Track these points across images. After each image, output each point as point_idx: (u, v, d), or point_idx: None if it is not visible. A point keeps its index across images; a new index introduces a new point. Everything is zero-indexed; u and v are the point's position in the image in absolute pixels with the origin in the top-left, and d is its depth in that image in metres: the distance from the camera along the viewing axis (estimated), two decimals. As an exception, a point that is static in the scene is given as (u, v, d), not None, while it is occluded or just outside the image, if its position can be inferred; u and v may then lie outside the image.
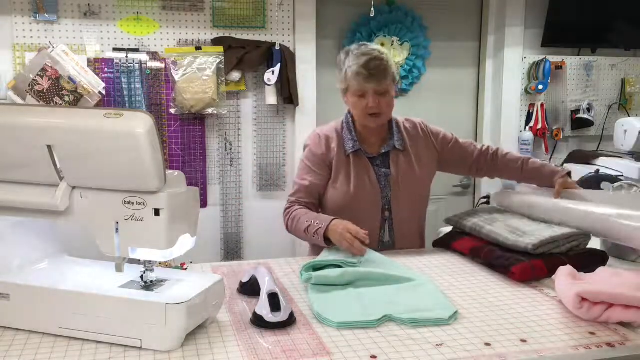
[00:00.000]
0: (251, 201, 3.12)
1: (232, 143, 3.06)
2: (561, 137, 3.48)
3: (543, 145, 3.47)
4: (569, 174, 2.00)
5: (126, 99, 2.81)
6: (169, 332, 1.18)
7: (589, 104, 3.52)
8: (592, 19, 3.40)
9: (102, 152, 1.16)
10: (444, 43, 3.41)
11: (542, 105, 3.43)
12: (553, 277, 1.53)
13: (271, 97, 2.98)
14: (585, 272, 1.50)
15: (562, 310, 1.40)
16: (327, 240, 1.75)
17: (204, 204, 3.02)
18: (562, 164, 3.07)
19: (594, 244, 1.77)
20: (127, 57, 2.81)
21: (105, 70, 2.80)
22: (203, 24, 2.94)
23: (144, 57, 2.84)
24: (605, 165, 2.78)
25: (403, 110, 2.17)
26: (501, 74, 3.41)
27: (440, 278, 1.65)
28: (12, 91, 2.64)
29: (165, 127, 2.92)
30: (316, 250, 1.89)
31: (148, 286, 1.28)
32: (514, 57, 3.40)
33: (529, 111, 3.46)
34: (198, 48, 2.89)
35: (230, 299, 1.47)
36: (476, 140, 3.52)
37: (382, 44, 3.14)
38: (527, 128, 3.44)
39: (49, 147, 1.18)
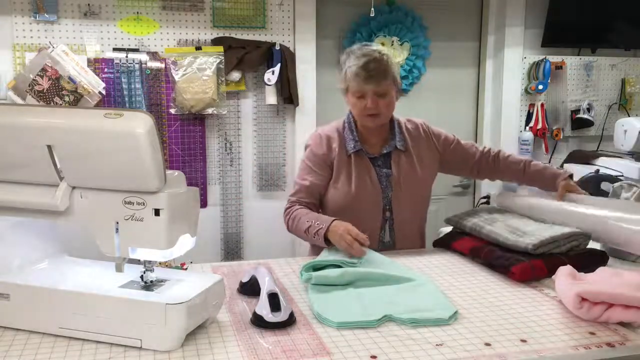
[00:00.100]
0: (251, 201, 3.13)
1: (232, 143, 3.06)
2: (561, 137, 3.48)
3: (543, 146, 3.47)
4: (570, 176, 2.00)
5: (126, 99, 2.81)
6: (169, 332, 1.18)
7: (589, 104, 3.52)
8: (592, 19, 3.40)
9: (102, 152, 1.16)
10: (444, 43, 3.41)
11: (542, 105, 3.43)
12: (553, 277, 1.53)
13: (271, 97, 2.99)
14: (585, 272, 1.50)
15: (562, 310, 1.40)
16: (328, 241, 1.75)
17: (204, 204, 3.02)
18: (562, 164, 3.07)
19: (594, 243, 1.77)
20: (127, 57, 2.81)
21: (105, 70, 2.80)
22: (203, 24, 2.94)
23: (144, 57, 2.84)
24: (605, 165, 2.78)
25: (403, 111, 2.17)
26: (501, 74, 3.41)
27: (440, 278, 1.65)
28: (12, 91, 2.64)
29: (165, 127, 2.92)
30: (316, 250, 1.89)
31: (148, 286, 1.28)
32: (514, 57, 3.40)
33: (529, 111, 3.47)
34: (198, 48, 2.89)
35: (230, 299, 1.47)
36: (476, 141, 3.52)
37: (382, 44, 3.14)
38: (527, 128, 3.44)
39: (49, 147, 1.18)
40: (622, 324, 1.31)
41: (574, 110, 3.52)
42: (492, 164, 2.07)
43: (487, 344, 1.22)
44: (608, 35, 3.46)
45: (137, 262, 1.28)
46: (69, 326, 1.23)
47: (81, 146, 1.17)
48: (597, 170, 2.59)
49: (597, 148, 3.48)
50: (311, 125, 3.05)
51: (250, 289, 1.48)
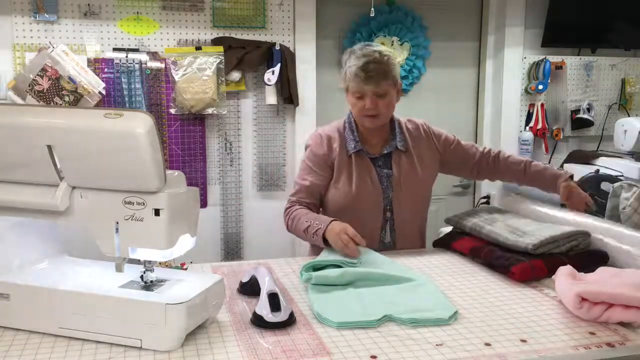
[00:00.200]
0: (251, 201, 3.13)
1: (232, 143, 3.06)
2: (561, 137, 3.48)
3: (543, 145, 3.47)
4: (571, 177, 2.00)
5: (126, 99, 2.81)
6: (169, 332, 1.18)
7: (589, 104, 3.52)
8: (592, 19, 3.40)
9: (102, 152, 1.16)
10: (444, 43, 3.41)
11: (542, 105, 3.43)
12: (553, 277, 1.53)
13: (271, 97, 2.99)
14: (585, 272, 1.50)
15: (562, 310, 1.40)
16: (326, 241, 1.75)
17: (204, 204, 3.02)
18: (562, 164, 3.07)
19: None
20: (127, 57, 2.81)
21: (105, 70, 2.80)
22: (203, 24, 2.94)
23: (144, 57, 2.84)
24: (605, 165, 2.77)
25: (403, 111, 2.17)
26: (501, 74, 3.41)
27: (440, 278, 1.65)
28: (12, 91, 2.64)
29: (165, 127, 2.92)
30: (316, 250, 1.89)
31: (148, 286, 1.28)
32: (514, 57, 3.40)
33: (529, 111, 3.47)
34: (198, 48, 2.89)
35: (230, 299, 1.47)
36: (476, 141, 3.52)
37: (382, 44, 3.14)
38: (527, 128, 3.44)
39: (49, 147, 1.18)
40: (622, 324, 1.31)
41: (574, 110, 3.52)
42: (492, 165, 2.07)
43: (487, 344, 1.22)
44: (608, 35, 3.46)
45: (137, 262, 1.28)
46: (69, 326, 1.23)
47: (81, 146, 1.17)
48: (597, 170, 2.59)
49: (597, 148, 3.48)
50: (311, 125, 3.05)
51: (250, 289, 1.48)
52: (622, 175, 2.62)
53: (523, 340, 1.24)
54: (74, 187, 1.22)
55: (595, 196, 2.23)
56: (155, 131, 1.14)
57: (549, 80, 3.38)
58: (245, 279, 1.52)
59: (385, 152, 1.98)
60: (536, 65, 3.40)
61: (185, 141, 2.96)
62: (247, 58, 2.94)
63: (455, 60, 3.47)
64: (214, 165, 3.05)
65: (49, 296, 1.25)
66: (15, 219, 1.34)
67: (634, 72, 3.62)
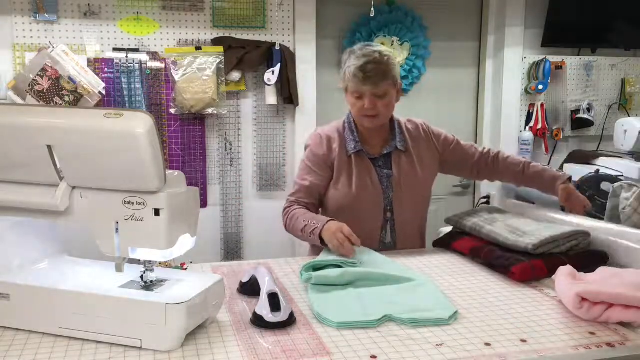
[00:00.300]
0: (251, 201, 3.13)
1: (232, 143, 3.06)
2: (561, 137, 3.49)
3: (543, 145, 3.47)
4: (569, 179, 2.00)
5: (126, 99, 2.81)
6: (169, 332, 1.18)
7: (589, 104, 3.52)
8: (592, 19, 3.40)
9: (102, 152, 1.16)
10: (444, 43, 3.41)
11: (542, 105, 3.43)
12: (553, 277, 1.53)
13: (271, 97, 2.99)
14: (585, 272, 1.50)
15: (562, 310, 1.40)
16: (323, 241, 1.75)
17: (204, 204, 3.02)
18: (562, 164, 3.07)
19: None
20: (127, 57, 2.81)
21: (105, 70, 2.80)
22: (203, 24, 2.94)
23: (144, 57, 2.84)
24: (605, 165, 2.77)
25: (403, 111, 2.17)
26: (501, 74, 3.41)
27: (440, 278, 1.65)
28: (12, 91, 2.64)
29: (165, 127, 2.92)
30: (316, 250, 1.89)
31: (148, 286, 1.28)
32: (514, 57, 3.40)
33: (529, 111, 3.47)
34: (198, 48, 2.89)
35: (230, 299, 1.47)
36: (476, 141, 3.52)
37: (382, 44, 3.14)
38: (527, 128, 3.44)
39: (49, 147, 1.18)
40: (622, 324, 1.31)
41: (574, 110, 3.52)
42: (492, 165, 2.07)
43: (487, 344, 1.22)
44: (608, 35, 3.46)
45: (137, 262, 1.28)
46: (69, 326, 1.23)
47: (81, 146, 1.17)
48: (597, 170, 2.59)
49: (597, 148, 3.48)
50: (311, 125, 3.05)
51: (250, 289, 1.48)
52: (622, 175, 2.62)
53: (523, 340, 1.24)
54: (74, 187, 1.22)
55: (595, 196, 2.24)
56: (155, 131, 1.14)
57: (549, 80, 3.38)
58: (245, 279, 1.51)
59: (385, 152, 1.98)
60: (536, 65, 3.40)
61: (185, 141, 2.96)
62: (247, 58, 2.94)
63: (455, 60, 3.47)
64: (214, 165, 3.05)
65: (49, 296, 1.25)
66: (15, 219, 1.34)
67: (634, 72, 3.62)
